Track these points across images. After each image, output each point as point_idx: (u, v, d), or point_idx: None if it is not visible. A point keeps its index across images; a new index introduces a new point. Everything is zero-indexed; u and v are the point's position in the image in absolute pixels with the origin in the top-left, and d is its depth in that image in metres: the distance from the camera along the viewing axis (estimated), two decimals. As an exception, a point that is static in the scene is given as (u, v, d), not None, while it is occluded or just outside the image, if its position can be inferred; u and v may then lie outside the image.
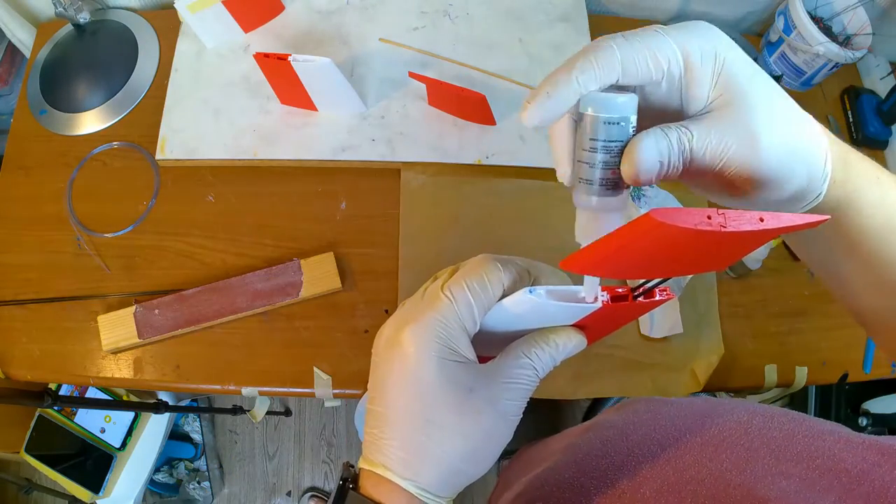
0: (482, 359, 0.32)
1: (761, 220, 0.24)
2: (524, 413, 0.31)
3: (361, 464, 0.31)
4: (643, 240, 0.24)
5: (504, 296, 0.30)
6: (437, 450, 0.29)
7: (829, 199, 0.30)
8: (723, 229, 0.23)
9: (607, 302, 0.29)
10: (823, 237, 0.33)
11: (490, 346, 0.32)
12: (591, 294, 0.29)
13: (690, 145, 0.27)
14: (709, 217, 0.23)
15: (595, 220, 0.29)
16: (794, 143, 0.28)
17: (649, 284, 0.29)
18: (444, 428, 0.28)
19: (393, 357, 0.29)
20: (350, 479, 0.31)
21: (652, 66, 0.27)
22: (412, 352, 0.28)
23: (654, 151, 0.26)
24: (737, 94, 0.27)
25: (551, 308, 0.29)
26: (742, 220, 0.24)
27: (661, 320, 0.73)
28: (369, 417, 0.30)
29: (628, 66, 0.26)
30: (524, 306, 0.29)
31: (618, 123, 0.27)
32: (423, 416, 0.28)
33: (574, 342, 0.31)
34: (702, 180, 0.29)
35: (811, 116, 0.29)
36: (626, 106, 0.27)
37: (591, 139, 0.28)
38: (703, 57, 0.27)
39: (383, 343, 0.30)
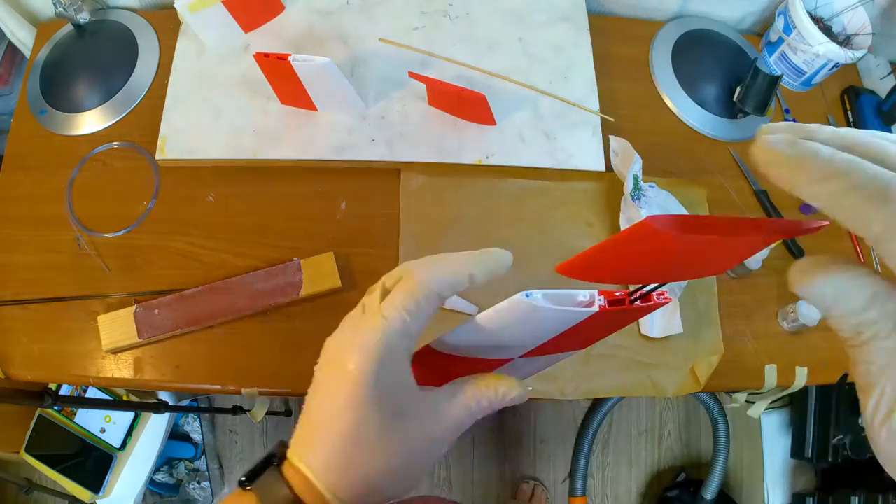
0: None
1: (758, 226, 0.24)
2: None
3: (289, 453, 0.31)
4: (640, 246, 0.24)
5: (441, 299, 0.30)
6: (359, 464, 0.29)
7: None
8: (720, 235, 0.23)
9: (604, 306, 0.29)
10: None
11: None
12: (589, 298, 0.29)
13: None
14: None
15: None
16: None
17: (647, 288, 0.29)
18: (369, 445, 0.29)
19: (332, 369, 0.30)
20: (277, 458, 0.32)
21: None
22: (351, 369, 0.29)
23: None
24: None
25: (547, 312, 0.29)
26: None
27: (662, 320, 0.73)
28: (304, 415, 0.31)
29: None
30: (518, 311, 0.29)
31: None
32: (352, 430, 0.29)
33: (516, 394, 0.32)
34: None
35: None
36: None
37: None
38: None
39: (328, 355, 0.31)
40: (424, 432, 0.30)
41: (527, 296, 0.28)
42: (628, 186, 0.72)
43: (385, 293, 0.30)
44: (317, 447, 0.30)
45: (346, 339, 0.30)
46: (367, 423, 0.29)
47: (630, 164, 0.73)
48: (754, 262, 0.75)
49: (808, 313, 0.71)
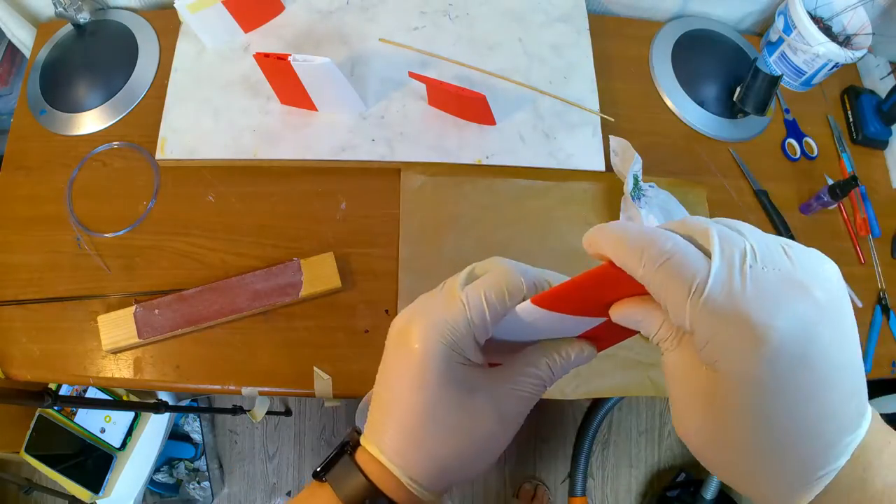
0: (490, 365, 0.32)
1: None
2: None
3: (362, 440, 0.31)
4: (606, 287, 0.26)
5: None
6: (432, 445, 0.29)
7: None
8: None
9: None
10: None
11: (497, 353, 0.32)
12: None
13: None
14: None
15: None
16: None
17: None
18: (443, 425, 0.29)
19: (401, 349, 0.29)
20: (351, 445, 0.31)
21: None
22: (418, 349, 0.28)
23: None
24: None
25: (562, 318, 0.29)
26: None
27: (661, 320, 0.73)
28: (374, 399, 0.31)
29: None
30: (535, 315, 0.29)
31: None
32: (423, 410, 0.29)
33: (586, 353, 0.31)
34: None
35: None
36: None
37: None
38: None
39: (395, 333, 0.30)
40: (499, 409, 0.29)
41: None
42: (628, 186, 0.72)
43: (471, 279, 0.30)
44: (389, 430, 0.29)
45: (416, 317, 0.29)
46: (439, 403, 0.28)
47: (630, 164, 0.73)
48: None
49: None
